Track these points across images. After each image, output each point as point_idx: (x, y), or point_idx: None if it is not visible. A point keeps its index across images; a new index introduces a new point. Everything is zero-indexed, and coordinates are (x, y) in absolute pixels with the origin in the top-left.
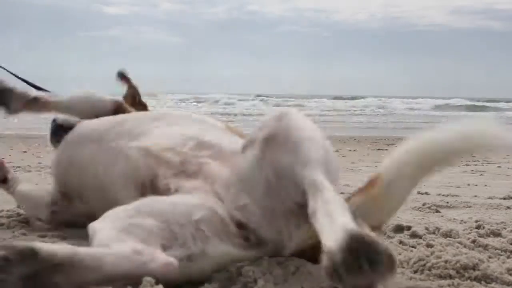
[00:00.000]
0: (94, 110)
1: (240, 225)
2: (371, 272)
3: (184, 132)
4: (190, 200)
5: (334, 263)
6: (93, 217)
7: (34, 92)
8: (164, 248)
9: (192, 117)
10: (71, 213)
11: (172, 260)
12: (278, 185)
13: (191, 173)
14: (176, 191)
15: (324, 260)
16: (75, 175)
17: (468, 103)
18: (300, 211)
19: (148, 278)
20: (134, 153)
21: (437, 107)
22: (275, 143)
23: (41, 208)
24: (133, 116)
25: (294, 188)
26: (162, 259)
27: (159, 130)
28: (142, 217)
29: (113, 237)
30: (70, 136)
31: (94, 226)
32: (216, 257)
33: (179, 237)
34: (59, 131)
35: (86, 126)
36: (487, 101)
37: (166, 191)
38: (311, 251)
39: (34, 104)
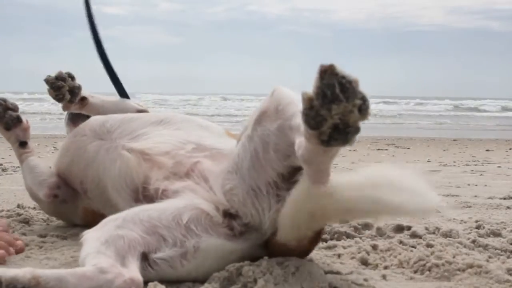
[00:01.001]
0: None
1: (226, 214)
2: (346, 100)
3: (185, 136)
4: (177, 203)
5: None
6: (98, 213)
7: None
8: (150, 252)
9: (197, 122)
10: (75, 204)
11: (135, 275)
12: (264, 156)
13: (182, 174)
14: (165, 191)
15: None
16: (79, 169)
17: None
18: (281, 183)
19: (153, 283)
20: (129, 155)
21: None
22: (266, 116)
23: (42, 186)
24: (142, 116)
25: (277, 157)
26: (126, 276)
27: (161, 133)
28: (129, 226)
29: (94, 250)
30: (81, 127)
31: (84, 236)
32: (209, 251)
33: (169, 239)
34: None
35: (96, 119)
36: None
37: (156, 194)
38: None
39: (82, 102)
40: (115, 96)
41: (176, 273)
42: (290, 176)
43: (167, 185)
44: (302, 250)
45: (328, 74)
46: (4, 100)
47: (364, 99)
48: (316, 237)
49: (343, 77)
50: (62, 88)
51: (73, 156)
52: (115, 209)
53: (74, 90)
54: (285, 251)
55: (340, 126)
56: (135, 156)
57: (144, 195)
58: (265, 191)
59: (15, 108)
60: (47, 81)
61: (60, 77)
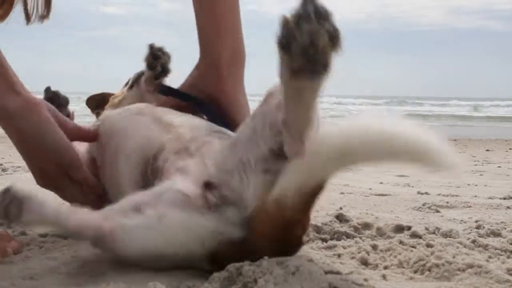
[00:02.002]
0: None
1: (205, 185)
2: (317, 22)
3: (208, 123)
4: (160, 187)
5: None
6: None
7: None
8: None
9: None
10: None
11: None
12: (261, 132)
13: (191, 151)
14: (167, 171)
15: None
16: (105, 148)
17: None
18: (270, 158)
19: (153, 282)
20: (155, 125)
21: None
22: (272, 97)
23: None
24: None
25: (271, 133)
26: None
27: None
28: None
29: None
30: (129, 107)
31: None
32: (176, 221)
33: (141, 211)
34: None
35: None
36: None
37: (160, 169)
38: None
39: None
40: None
41: (143, 241)
42: (281, 151)
43: (172, 162)
44: (292, 221)
45: (308, 1)
46: None
47: (335, 29)
48: (309, 207)
49: (322, 6)
50: (159, 59)
51: (107, 134)
52: (118, 190)
53: (165, 69)
54: (271, 219)
55: (310, 51)
56: (161, 126)
57: (152, 168)
58: (254, 164)
59: None
60: (151, 47)
61: (161, 50)
